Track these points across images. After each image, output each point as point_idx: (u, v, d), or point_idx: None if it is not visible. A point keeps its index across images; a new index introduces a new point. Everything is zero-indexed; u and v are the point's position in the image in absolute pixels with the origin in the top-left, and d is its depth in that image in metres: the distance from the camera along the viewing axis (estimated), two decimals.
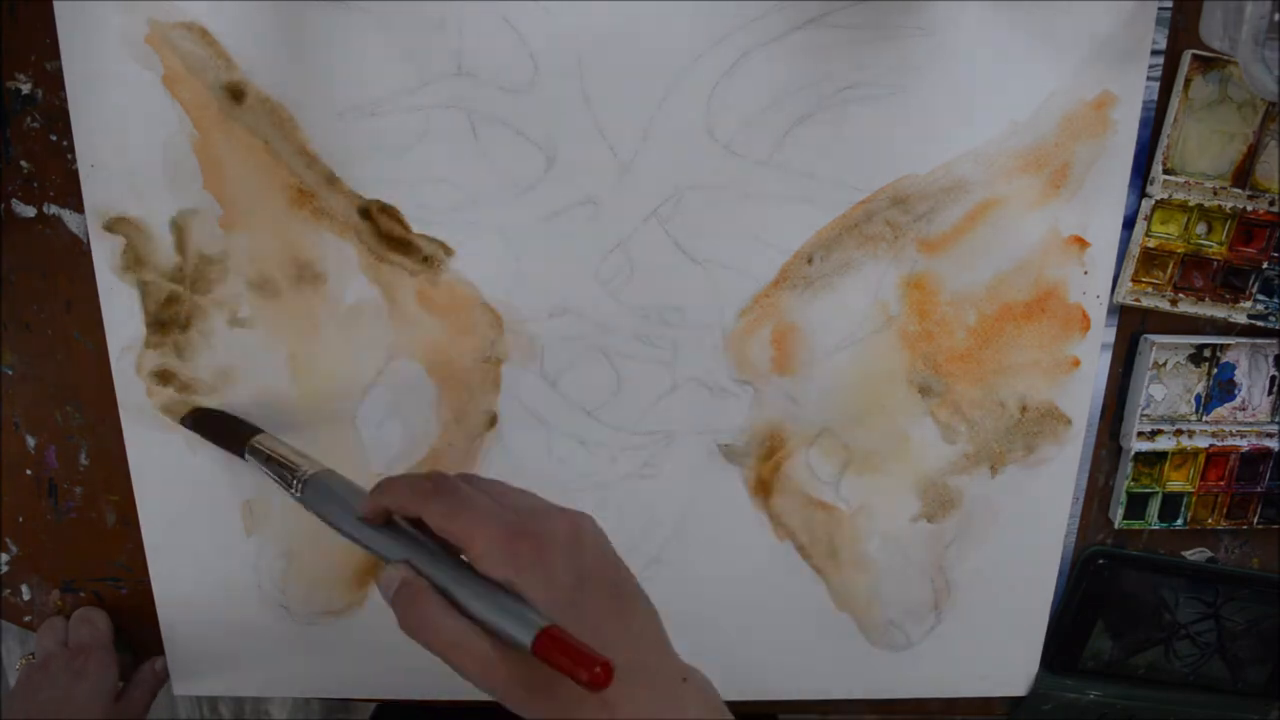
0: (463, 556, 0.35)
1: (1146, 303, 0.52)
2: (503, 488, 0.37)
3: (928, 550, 0.56)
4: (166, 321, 0.51)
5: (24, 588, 0.57)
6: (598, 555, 0.35)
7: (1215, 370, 0.54)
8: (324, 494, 0.40)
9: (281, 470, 0.43)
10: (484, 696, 0.63)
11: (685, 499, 0.55)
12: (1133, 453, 0.55)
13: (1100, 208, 0.50)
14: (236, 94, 0.47)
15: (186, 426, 0.52)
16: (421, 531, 0.36)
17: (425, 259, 0.50)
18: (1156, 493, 0.55)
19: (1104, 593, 0.58)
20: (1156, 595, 0.58)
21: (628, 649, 0.33)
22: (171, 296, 0.50)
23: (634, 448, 0.54)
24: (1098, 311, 0.52)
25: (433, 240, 0.50)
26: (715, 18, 0.46)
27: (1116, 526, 0.56)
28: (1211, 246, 0.51)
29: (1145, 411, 0.54)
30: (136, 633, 0.58)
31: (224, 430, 0.50)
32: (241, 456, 0.47)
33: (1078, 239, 0.51)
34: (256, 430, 0.49)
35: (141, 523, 0.54)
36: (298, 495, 0.42)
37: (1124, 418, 0.55)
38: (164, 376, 0.52)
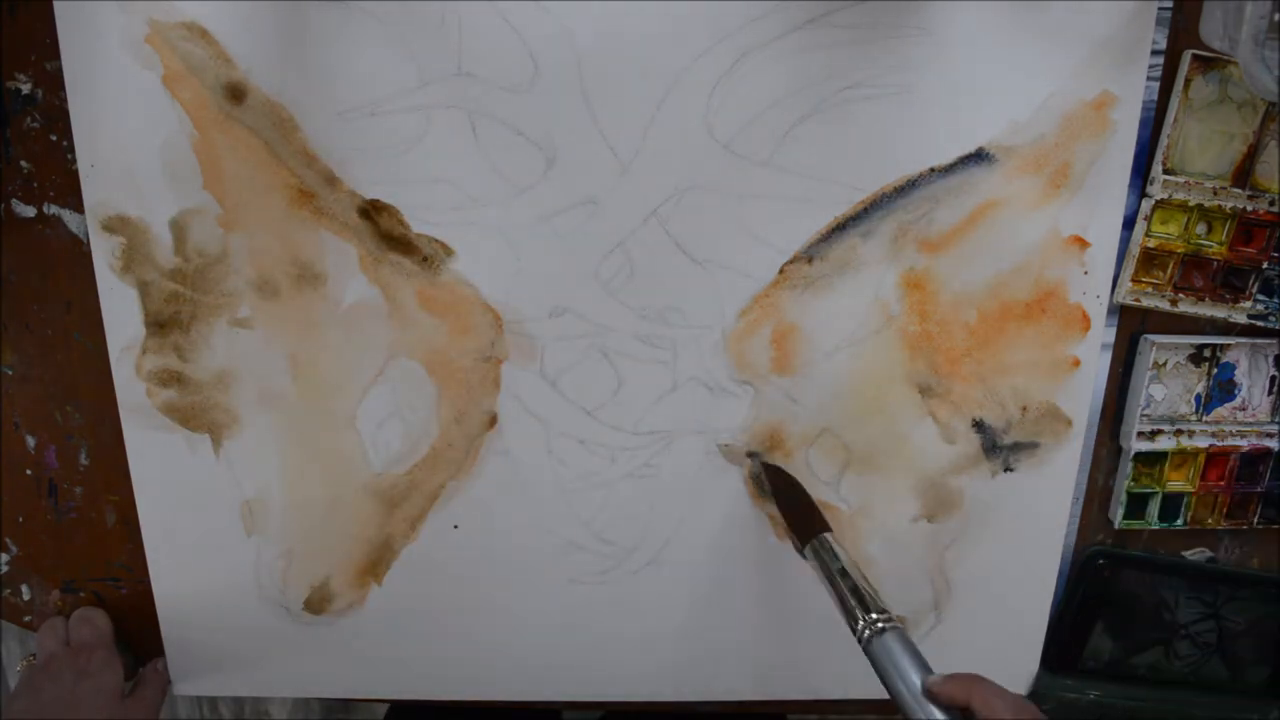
0: None
1: (1146, 303, 0.52)
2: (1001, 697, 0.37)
3: (928, 550, 0.56)
4: (166, 321, 0.51)
5: (24, 588, 0.57)
6: None
7: (1215, 370, 0.54)
8: (895, 651, 0.41)
9: (854, 598, 0.44)
10: (497, 696, 0.64)
11: (685, 499, 0.55)
12: (1133, 453, 0.55)
13: (1100, 208, 0.50)
14: (236, 94, 0.47)
15: (759, 471, 0.53)
16: None
17: (425, 259, 0.50)
18: (1156, 493, 0.55)
19: (1104, 593, 0.58)
20: (1156, 595, 0.58)
21: None
22: (171, 296, 0.50)
23: (634, 448, 0.54)
24: (1098, 311, 0.52)
25: (433, 240, 0.50)
26: (715, 18, 0.46)
27: (1116, 526, 0.56)
28: (1211, 246, 0.51)
29: (1145, 411, 0.54)
30: (136, 633, 0.58)
31: (792, 502, 0.50)
32: (800, 549, 0.48)
33: (1078, 239, 0.51)
34: (826, 527, 0.48)
35: (141, 523, 0.54)
36: (861, 636, 0.42)
37: (1124, 418, 0.55)
38: (164, 377, 0.52)
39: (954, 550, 0.56)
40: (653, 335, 0.52)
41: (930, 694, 0.39)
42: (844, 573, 0.45)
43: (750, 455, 0.53)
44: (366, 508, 0.54)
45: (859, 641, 0.42)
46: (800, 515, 0.50)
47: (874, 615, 0.42)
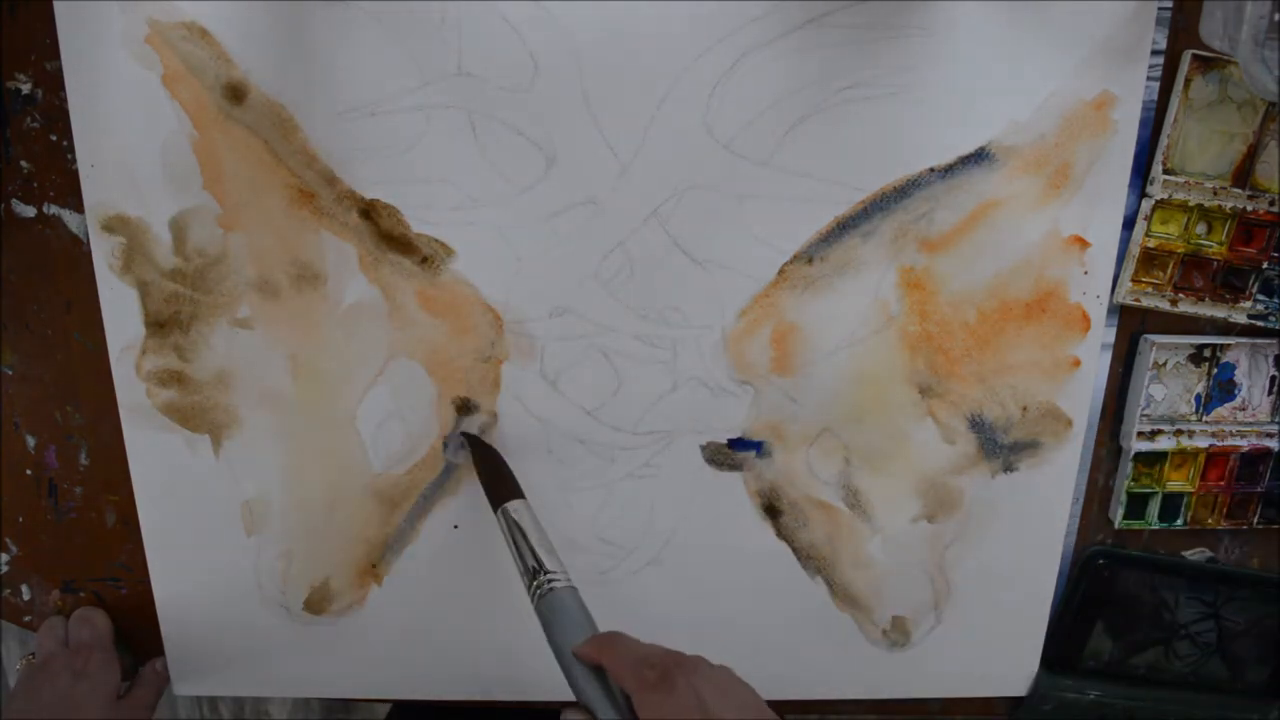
0: None
1: (1146, 303, 0.52)
2: (718, 688, 0.36)
3: (928, 550, 0.56)
4: (166, 321, 0.51)
5: (24, 588, 0.57)
6: None
7: (1215, 370, 0.54)
8: (558, 612, 0.41)
9: (529, 560, 0.44)
10: (496, 696, 0.64)
11: (685, 499, 0.55)
12: (1133, 453, 0.55)
13: (1100, 208, 0.50)
14: (236, 94, 0.47)
15: (465, 443, 0.52)
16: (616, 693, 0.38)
17: (425, 259, 0.50)
18: (1156, 493, 0.55)
19: (1104, 593, 0.58)
20: (1156, 595, 0.58)
21: None
22: (171, 296, 0.50)
23: (634, 448, 0.54)
24: (1098, 311, 0.52)
25: (433, 240, 0.50)
26: (715, 18, 0.46)
27: (1116, 526, 0.56)
28: (1211, 246, 0.51)
29: (1145, 411, 0.54)
30: (136, 633, 0.58)
31: (491, 472, 0.50)
32: (494, 510, 0.48)
33: (1078, 239, 0.51)
34: (519, 494, 0.48)
35: (141, 523, 0.54)
36: (533, 598, 0.42)
37: (1124, 418, 0.55)
38: (164, 377, 0.52)
39: (954, 550, 0.56)
40: (653, 335, 0.52)
41: (576, 655, 0.39)
42: (525, 538, 0.45)
43: (462, 434, 0.52)
44: (366, 508, 0.54)
45: (533, 603, 0.42)
46: (496, 482, 0.49)
47: (547, 575, 0.42)
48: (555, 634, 0.40)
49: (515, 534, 0.45)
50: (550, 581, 0.42)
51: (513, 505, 0.47)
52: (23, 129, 0.49)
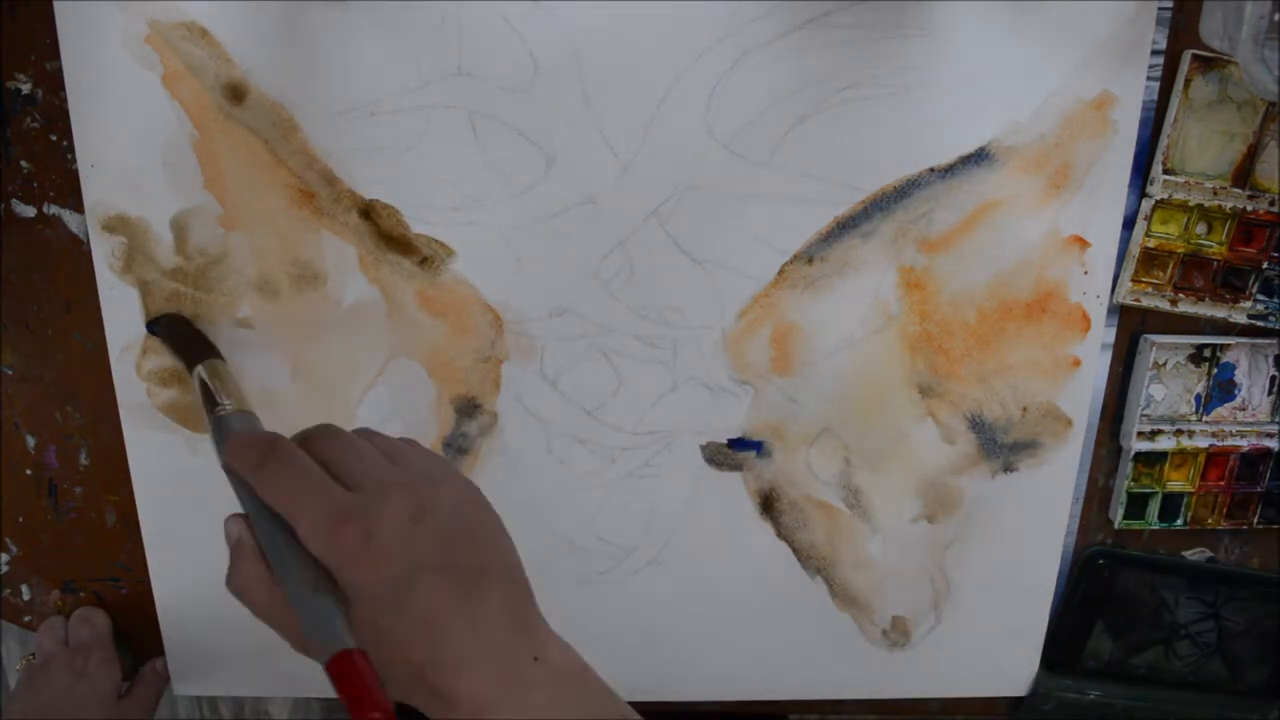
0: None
1: (1146, 303, 0.52)
2: (349, 448, 0.34)
3: (928, 550, 0.56)
4: None
5: (24, 588, 0.57)
6: (444, 536, 0.32)
7: (1215, 370, 0.54)
8: (217, 435, 0.39)
9: (207, 401, 0.42)
10: None
11: (685, 499, 0.55)
12: (1133, 453, 0.55)
13: (1100, 208, 0.50)
14: (236, 94, 0.47)
15: (153, 331, 0.50)
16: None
17: (425, 259, 0.50)
18: (1156, 493, 0.55)
19: (1104, 593, 0.58)
20: (1156, 595, 0.58)
21: (467, 636, 0.31)
22: (172, 296, 0.50)
23: (634, 448, 0.54)
24: (1098, 311, 0.52)
25: (433, 240, 0.50)
26: (715, 18, 0.46)
27: (1116, 526, 0.56)
28: (1211, 246, 0.51)
29: (1145, 411, 0.54)
30: (136, 633, 0.58)
31: (186, 343, 0.48)
32: (189, 373, 0.46)
33: (1078, 239, 0.51)
34: (214, 355, 0.46)
35: (141, 523, 0.54)
36: (211, 431, 0.40)
37: (1124, 418, 0.55)
38: (164, 377, 0.52)
39: (954, 550, 0.56)
40: (653, 335, 0.52)
41: (225, 469, 0.36)
42: (204, 386, 0.43)
43: (151, 323, 0.50)
44: None
45: (210, 432, 0.40)
46: (187, 347, 0.48)
47: (217, 408, 0.40)
48: (219, 452, 0.38)
49: (200, 389, 0.44)
50: (219, 411, 0.40)
51: (202, 367, 0.45)
52: (23, 129, 0.49)
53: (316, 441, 0.35)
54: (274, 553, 0.33)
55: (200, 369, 0.45)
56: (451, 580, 0.32)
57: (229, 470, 0.36)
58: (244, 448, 0.34)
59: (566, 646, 0.34)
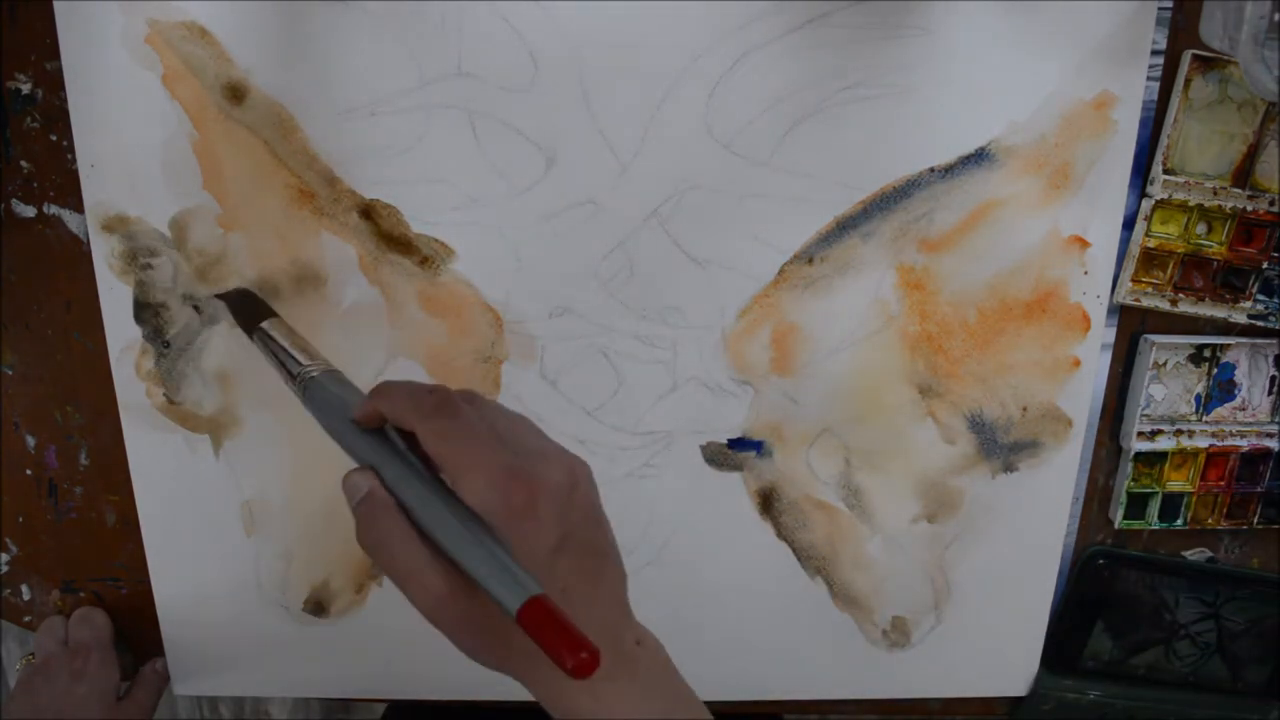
0: (450, 485, 0.32)
1: (1146, 303, 0.52)
2: (505, 417, 0.35)
3: (928, 550, 0.56)
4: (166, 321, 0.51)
5: (24, 588, 0.57)
6: (586, 511, 0.33)
7: (1215, 370, 0.54)
8: (324, 393, 0.39)
9: (286, 363, 0.41)
10: (496, 695, 0.63)
11: (685, 499, 0.55)
12: (1133, 453, 0.55)
13: (1100, 208, 0.50)
14: (236, 94, 0.47)
15: (225, 299, 0.50)
16: (412, 447, 0.34)
17: (425, 259, 0.50)
18: (1156, 493, 0.55)
19: (1104, 593, 0.58)
20: (1156, 595, 0.58)
21: (591, 610, 0.32)
22: (170, 296, 0.50)
23: (634, 448, 0.54)
24: (1098, 311, 0.52)
25: (433, 240, 0.50)
26: (715, 18, 0.46)
27: (1116, 526, 0.56)
28: (1211, 246, 0.51)
29: (1145, 411, 0.54)
30: (136, 633, 0.58)
31: (243, 308, 0.48)
32: (249, 337, 0.46)
33: (1078, 239, 0.51)
34: (271, 313, 0.46)
35: (141, 523, 0.54)
36: (299, 393, 0.40)
37: (1124, 418, 0.55)
38: (163, 377, 0.52)
39: (954, 550, 0.56)
40: (653, 335, 0.52)
41: (355, 421, 0.35)
42: (282, 348, 0.43)
43: (220, 297, 0.50)
44: None
45: (300, 396, 0.40)
46: (245, 310, 0.48)
47: (303, 368, 0.40)
48: (326, 418, 0.37)
49: (271, 348, 0.43)
50: (308, 372, 0.40)
51: (266, 324, 0.45)
52: (23, 129, 0.49)
53: (472, 401, 0.35)
54: (424, 506, 0.32)
55: (270, 328, 0.44)
56: (587, 554, 0.33)
57: (362, 421, 0.35)
58: (413, 396, 0.33)
59: (656, 639, 0.35)
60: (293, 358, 0.42)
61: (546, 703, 0.33)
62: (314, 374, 0.40)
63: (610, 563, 0.34)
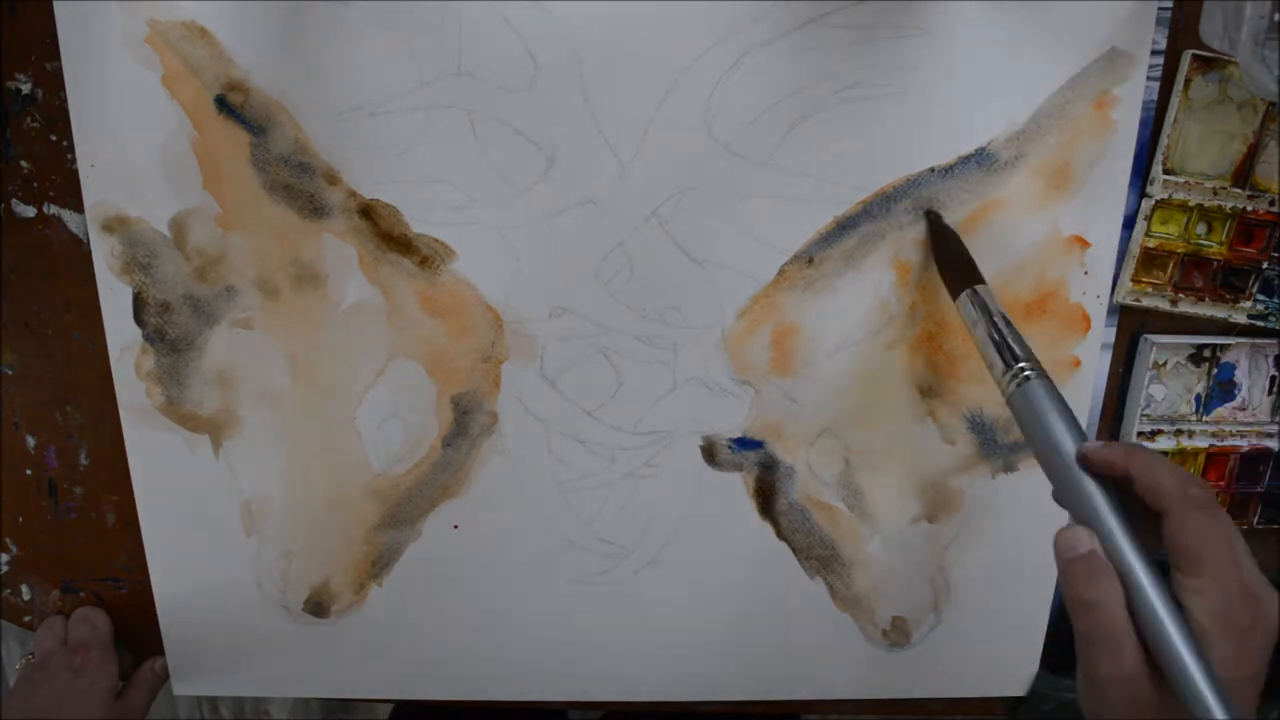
0: (1180, 576, 0.33)
1: (1146, 303, 0.52)
2: (1236, 529, 0.34)
3: (928, 550, 0.56)
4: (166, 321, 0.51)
5: (24, 588, 0.57)
6: (1269, 652, 0.33)
7: (1215, 370, 0.54)
8: (1043, 405, 0.38)
9: (1000, 348, 0.41)
10: (497, 696, 0.63)
11: (685, 499, 0.55)
12: None
13: (1100, 208, 0.50)
14: (237, 94, 0.47)
15: (930, 220, 0.49)
16: (1122, 510, 0.35)
17: (425, 259, 0.50)
18: None
19: None
20: None
21: None
22: (171, 295, 0.50)
23: (634, 448, 0.54)
24: (1098, 311, 0.52)
25: (433, 240, 0.50)
26: (715, 18, 0.46)
27: None
28: (1211, 246, 0.51)
29: (1145, 411, 0.54)
30: (136, 633, 0.58)
31: (953, 255, 0.47)
32: (954, 297, 0.45)
33: (1078, 239, 0.51)
34: (981, 279, 0.46)
35: (141, 523, 0.54)
36: (1004, 390, 0.40)
37: (1124, 418, 0.55)
38: (163, 377, 0.52)
39: (954, 550, 0.56)
40: (653, 335, 0.52)
41: (1084, 459, 0.36)
42: (993, 324, 0.43)
43: (927, 213, 0.50)
44: (366, 508, 0.54)
45: (1005, 395, 0.40)
46: (956, 266, 0.48)
47: (1020, 365, 0.40)
48: (1036, 430, 0.38)
49: (984, 318, 0.43)
50: (1024, 371, 0.40)
51: (977, 290, 0.44)
52: (23, 129, 0.49)
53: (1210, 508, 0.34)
54: (1141, 588, 0.33)
55: (985, 295, 0.44)
56: (1254, 692, 0.33)
57: (1090, 460, 0.36)
58: (1178, 477, 0.34)
59: None
60: (1010, 347, 0.41)
61: None
62: (1030, 375, 0.40)
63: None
